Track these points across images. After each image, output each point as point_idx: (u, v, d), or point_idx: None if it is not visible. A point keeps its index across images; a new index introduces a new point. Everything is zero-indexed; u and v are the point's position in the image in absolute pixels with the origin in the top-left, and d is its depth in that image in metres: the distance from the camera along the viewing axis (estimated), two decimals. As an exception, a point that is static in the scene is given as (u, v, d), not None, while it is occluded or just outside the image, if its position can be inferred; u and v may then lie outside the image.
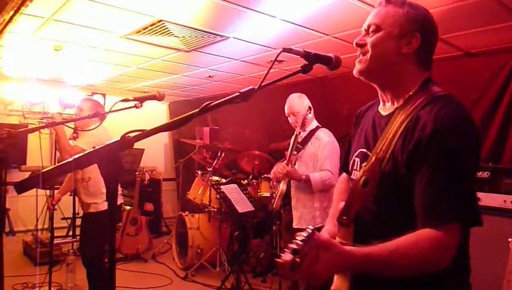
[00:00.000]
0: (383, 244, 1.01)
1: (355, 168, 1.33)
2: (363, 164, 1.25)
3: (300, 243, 0.91)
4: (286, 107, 3.16)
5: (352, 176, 1.36)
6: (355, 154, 1.34)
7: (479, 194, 2.67)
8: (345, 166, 1.53)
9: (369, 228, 1.15)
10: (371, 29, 1.20)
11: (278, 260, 0.90)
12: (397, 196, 1.13)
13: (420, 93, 1.16)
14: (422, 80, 1.20)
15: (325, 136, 3.02)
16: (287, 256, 0.89)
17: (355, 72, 1.24)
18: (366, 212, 1.18)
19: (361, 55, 1.22)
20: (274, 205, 3.11)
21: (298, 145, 3.07)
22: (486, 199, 2.70)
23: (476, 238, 1.18)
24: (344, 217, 1.16)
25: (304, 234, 0.93)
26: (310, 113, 2.96)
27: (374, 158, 1.16)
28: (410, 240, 1.02)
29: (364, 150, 1.29)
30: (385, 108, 1.27)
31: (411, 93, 1.18)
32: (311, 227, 0.97)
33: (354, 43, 1.24)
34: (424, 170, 1.05)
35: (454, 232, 1.02)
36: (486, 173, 2.83)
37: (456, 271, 1.08)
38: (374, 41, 1.18)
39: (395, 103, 1.22)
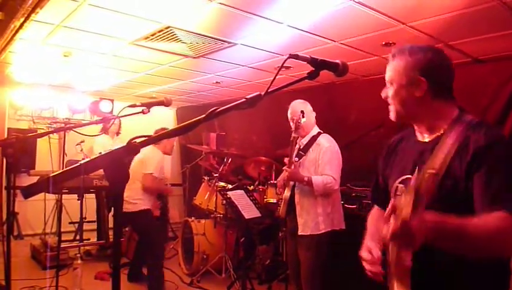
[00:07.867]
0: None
1: (398, 193, 1.36)
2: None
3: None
4: None
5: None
6: (398, 181, 1.38)
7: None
8: (376, 198, 1.56)
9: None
10: (388, 84, 1.39)
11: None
12: (453, 212, 1.13)
13: (461, 120, 1.31)
14: (457, 110, 1.36)
15: (325, 141, 3.01)
16: None
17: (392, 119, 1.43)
18: None
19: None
20: (280, 213, 3.09)
21: (300, 151, 3.06)
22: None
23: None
24: None
25: None
26: (303, 117, 2.94)
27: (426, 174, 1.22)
28: (483, 217, 1.11)
29: (410, 176, 1.30)
30: (424, 137, 1.38)
31: (453, 118, 1.32)
32: None
33: (382, 96, 1.43)
34: (484, 169, 1.17)
35: None
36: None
37: (499, 272, 1.24)
38: (392, 95, 1.38)
39: (434, 132, 1.35)
